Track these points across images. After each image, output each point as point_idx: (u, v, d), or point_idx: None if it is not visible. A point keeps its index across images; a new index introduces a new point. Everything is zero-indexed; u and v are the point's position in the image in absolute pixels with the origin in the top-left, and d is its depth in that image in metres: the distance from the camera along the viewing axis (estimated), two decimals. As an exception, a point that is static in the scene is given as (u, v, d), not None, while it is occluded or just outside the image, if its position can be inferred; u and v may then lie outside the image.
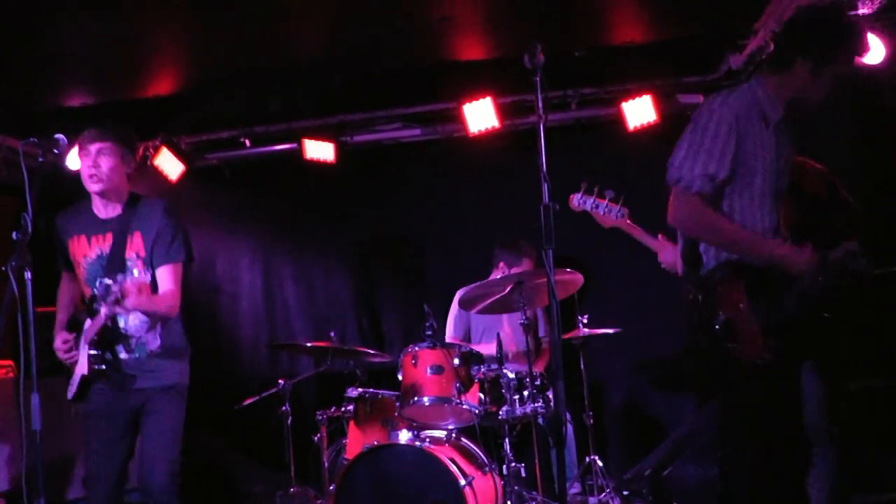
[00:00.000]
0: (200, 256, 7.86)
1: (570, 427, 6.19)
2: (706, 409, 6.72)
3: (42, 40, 5.82)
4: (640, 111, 6.89)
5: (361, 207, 7.75)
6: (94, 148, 4.43)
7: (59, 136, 4.12)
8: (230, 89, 7.06)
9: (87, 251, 4.50)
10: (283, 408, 6.02)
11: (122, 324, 4.45)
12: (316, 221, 7.87)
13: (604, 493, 6.06)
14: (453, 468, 4.98)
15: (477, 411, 5.14)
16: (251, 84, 7.04)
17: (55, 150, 4.14)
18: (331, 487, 5.30)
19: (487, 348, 5.95)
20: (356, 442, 5.50)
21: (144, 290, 4.08)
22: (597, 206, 4.44)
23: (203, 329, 7.75)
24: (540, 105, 3.36)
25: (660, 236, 4.25)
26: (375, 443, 5.25)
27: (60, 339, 4.46)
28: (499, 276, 6.03)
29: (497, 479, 5.27)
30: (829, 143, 6.43)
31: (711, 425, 6.24)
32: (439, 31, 6.31)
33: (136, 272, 4.17)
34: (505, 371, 5.27)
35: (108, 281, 4.07)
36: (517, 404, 5.22)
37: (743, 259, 3.55)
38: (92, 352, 4.35)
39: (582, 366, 6.19)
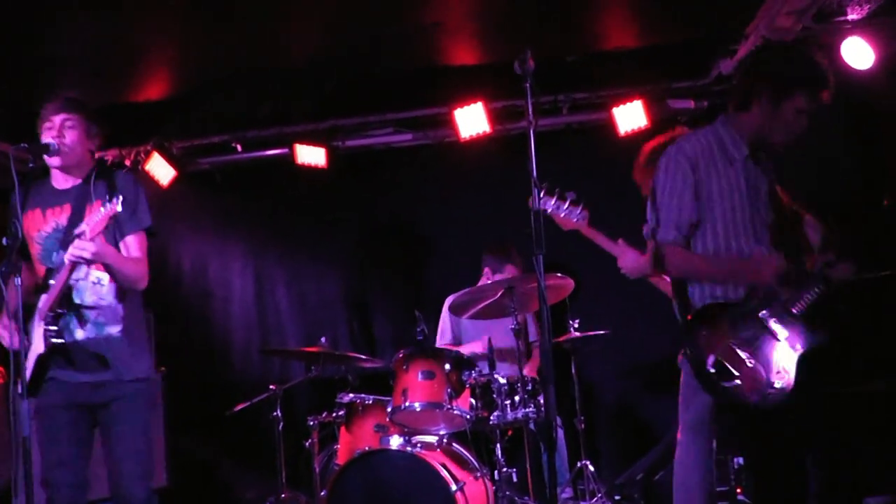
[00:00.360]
0: (192, 261, 7.91)
1: (561, 432, 6.20)
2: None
3: (34, 44, 5.82)
4: (631, 116, 6.90)
5: (353, 212, 7.76)
6: (58, 119, 4.16)
7: (50, 140, 4.11)
8: (222, 94, 7.06)
9: (42, 225, 4.19)
10: (275, 413, 6.01)
11: (76, 299, 4.10)
12: (307, 226, 7.86)
13: (595, 498, 6.06)
14: (445, 473, 4.97)
15: (468, 416, 5.14)
16: (243, 89, 7.04)
17: (46, 156, 4.14)
18: (322, 493, 5.30)
19: (474, 347, 5.95)
20: (347, 447, 5.49)
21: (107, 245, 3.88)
22: (557, 209, 4.42)
23: (195, 334, 7.75)
24: (530, 110, 3.37)
25: (620, 241, 4.28)
26: (367, 448, 5.24)
27: (1, 325, 4.10)
28: (488, 283, 6.03)
29: (489, 484, 5.27)
30: (820, 148, 6.48)
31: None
32: (431, 36, 6.33)
33: (102, 209, 3.84)
34: (496, 376, 5.28)
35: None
36: (508, 409, 5.22)
37: (724, 296, 3.68)
38: (49, 327, 4.00)
39: (573, 370, 6.19)
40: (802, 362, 3.58)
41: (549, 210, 4.43)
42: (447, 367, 5.18)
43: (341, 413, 5.63)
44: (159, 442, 6.71)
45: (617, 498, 6.33)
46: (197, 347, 7.73)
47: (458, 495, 4.91)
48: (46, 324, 4.01)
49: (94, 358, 4.10)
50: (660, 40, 6.68)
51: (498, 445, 5.28)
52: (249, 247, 7.94)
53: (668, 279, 4.47)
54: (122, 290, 4.19)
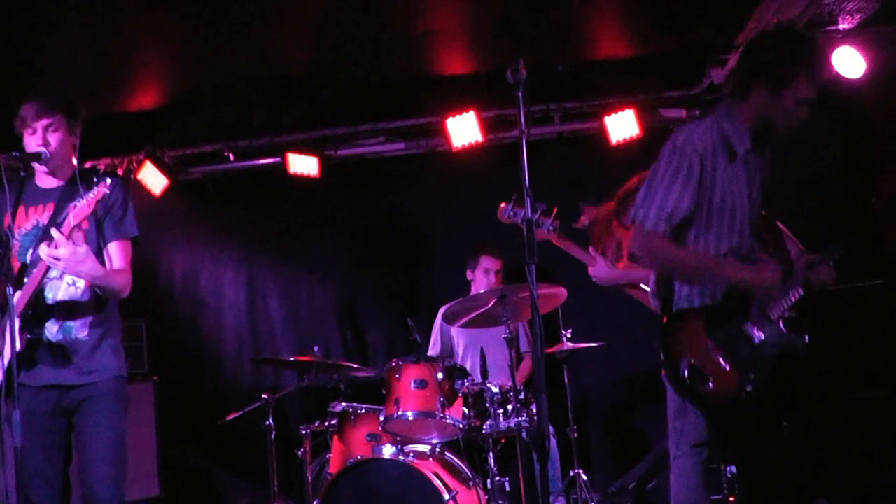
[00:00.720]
0: (184, 270, 7.89)
1: (554, 441, 6.20)
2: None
3: (26, 53, 5.80)
4: (622, 125, 6.91)
5: (345, 221, 7.75)
6: (40, 125, 4.09)
7: (42, 149, 4.10)
8: (214, 103, 7.06)
9: (23, 222, 4.13)
10: (267, 422, 5.99)
11: (49, 298, 4.04)
12: (300, 235, 7.85)
13: (588, 507, 6.06)
14: (437, 483, 4.96)
15: (461, 425, 5.14)
16: (235, 98, 7.04)
17: (37, 164, 4.13)
18: (314, 502, 5.28)
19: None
20: (340, 456, 5.48)
21: (90, 258, 3.83)
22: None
23: (187, 343, 7.73)
24: (522, 120, 3.37)
25: (590, 249, 4.27)
26: (359, 457, 5.24)
27: None
28: (481, 292, 6.03)
29: (481, 493, 5.26)
30: (812, 156, 6.51)
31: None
32: (423, 45, 6.34)
33: (90, 194, 3.81)
34: (489, 385, 5.27)
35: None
36: (501, 418, 5.21)
37: (712, 295, 3.61)
38: (25, 324, 3.94)
39: (566, 379, 6.18)
40: (778, 366, 3.57)
41: (519, 221, 4.43)
42: (440, 375, 5.18)
43: (334, 422, 5.62)
44: (151, 451, 6.70)
45: (609, 506, 6.34)
46: (189, 356, 7.71)
47: (451, 504, 4.91)
48: (23, 321, 3.94)
49: (63, 358, 4.03)
50: (652, 50, 6.71)
51: (490, 454, 5.27)
52: (242, 255, 7.92)
53: (644, 288, 4.47)
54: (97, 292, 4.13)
